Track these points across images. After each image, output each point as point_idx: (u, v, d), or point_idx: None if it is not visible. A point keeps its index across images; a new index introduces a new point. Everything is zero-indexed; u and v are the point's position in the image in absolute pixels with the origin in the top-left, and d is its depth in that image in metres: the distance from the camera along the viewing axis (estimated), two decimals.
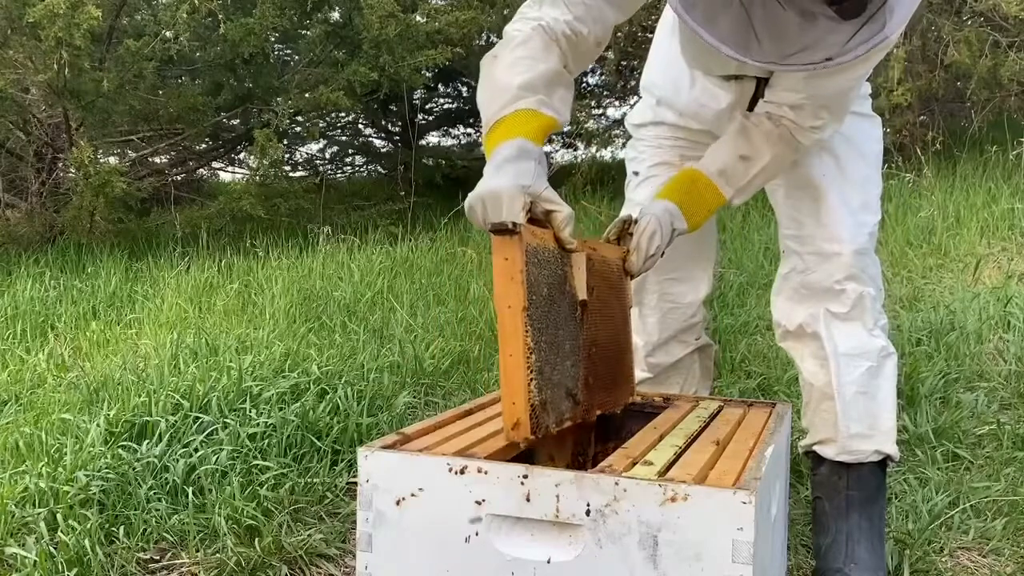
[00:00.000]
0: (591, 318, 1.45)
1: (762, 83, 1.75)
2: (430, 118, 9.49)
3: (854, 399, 1.79)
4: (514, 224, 1.24)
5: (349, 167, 9.76)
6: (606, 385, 1.52)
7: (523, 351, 1.23)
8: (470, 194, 1.34)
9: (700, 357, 2.18)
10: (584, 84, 7.81)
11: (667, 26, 1.99)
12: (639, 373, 2.03)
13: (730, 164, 1.70)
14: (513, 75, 1.46)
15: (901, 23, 1.32)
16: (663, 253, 1.64)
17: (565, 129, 7.72)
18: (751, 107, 1.78)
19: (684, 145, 1.99)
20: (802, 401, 1.91)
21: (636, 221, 1.62)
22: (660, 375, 2.11)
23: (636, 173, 2.04)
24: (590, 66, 1.60)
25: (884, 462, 1.84)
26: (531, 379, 1.24)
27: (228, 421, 2.23)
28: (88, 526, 1.80)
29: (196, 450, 2.11)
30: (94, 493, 1.92)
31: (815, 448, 1.86)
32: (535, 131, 1.41)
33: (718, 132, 1.88)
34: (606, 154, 7.49)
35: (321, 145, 8.97)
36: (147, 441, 2.14)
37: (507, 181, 1.33)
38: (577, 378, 1.39)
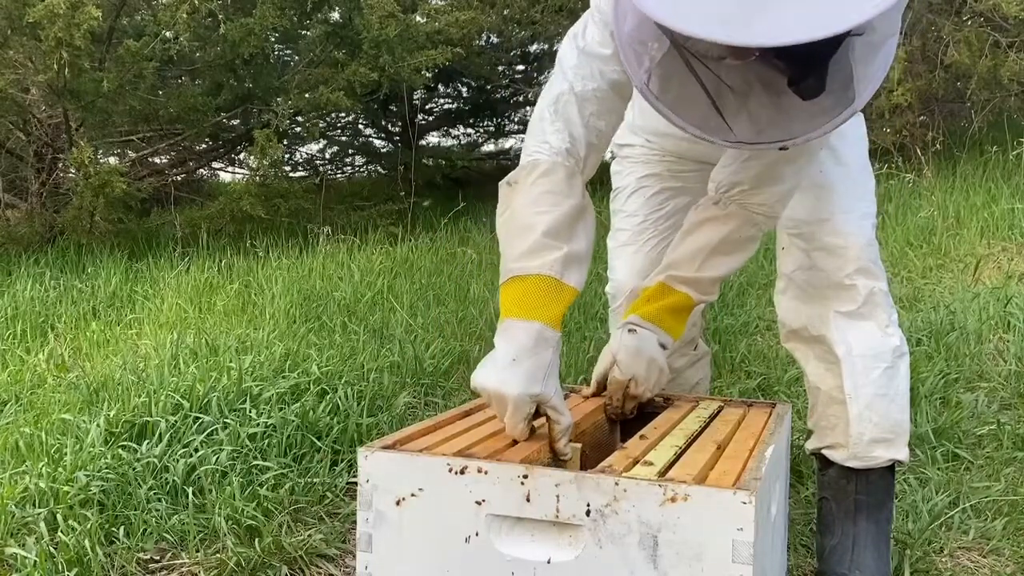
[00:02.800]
0: None
1: None
2: (430, 118, 9.49)
3: (871, 404, 1.73)
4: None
5: (349, 167, 9.77)
6: None
7: None
8: (481, 374, 1.32)
9: (699, 366, 2.17)
10: None
11: None
12: None
13: (679, 260, 1.66)
14: (536, 214, 1.40)
15: (869, 96, 1.30)
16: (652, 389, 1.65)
17: None
18: None
19: (670, 160, 1.98)
20: (808, 402, 1.88)
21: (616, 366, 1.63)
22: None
23: (624, 187, 2.04)
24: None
25: (893, 465, 1.81)
26: None
27: (228, 421, 2.23)
28: (88, 526, 1.80)
29: (196, 450, 2.11)
30: (94, 493, 1.92)
31: (824, 452, 1.81)
32: (555, 315, 1.36)
33: (702, 157, 1.89)
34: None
35: (321, 145, 8.97)
36: (147, 441, 2.14)
37: (516, 388, 1.29)
38: None
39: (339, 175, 9.63)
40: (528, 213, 1.41)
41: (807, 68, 1.25)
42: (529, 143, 1.49)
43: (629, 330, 1.64)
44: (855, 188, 1.78)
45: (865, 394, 1.73)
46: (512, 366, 1.30)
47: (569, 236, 1.40)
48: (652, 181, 1.98)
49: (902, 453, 1.77)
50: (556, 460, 1.37)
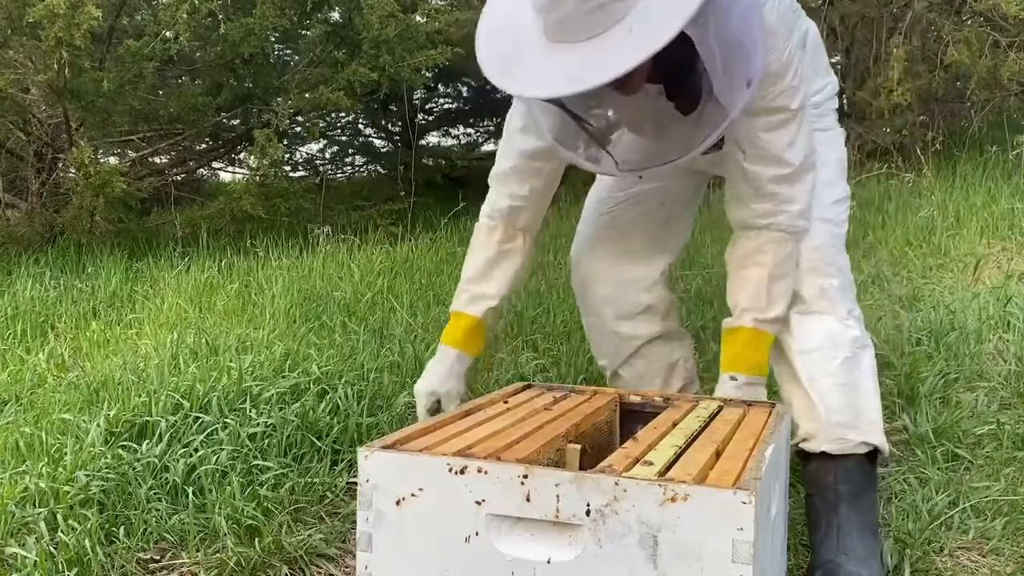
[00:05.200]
0: None
1: None
2: (430, 118, 9.48)
3: (830, 391, 1.79)
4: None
5: (349, 167, 9.76)
6: None
7: None
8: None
9: (673, 346, 2.23)
10: None
11: None
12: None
13: (748, 299, 1.80)
14: (466, 268, 2.01)
15: (737, 100, 1.52)
16: None
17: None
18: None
19: None
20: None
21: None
22: (623, 364, 2.21)
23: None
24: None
25: (874, 456, 1.83)
26: None
27: (228, 421, 2.23)
28: (88, 526, 1.80)
29: (196, 450, 2.11)
30: (94, 493, 1.92)
31: (801, 445, 1.86)
32: (461, 338, 1.97)
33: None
34: None
35: (321, 145, 8.96)
36: (147, 441, 2.14)
37: (424, 386, 1.94)
38: None
39: (339, 175, 9.62)
40: (465, 266, 2.02)
41: (675, 87, 1.57)
42: (486, 201, 2.05)
43: (748, 384, 1.80)
44: (816, 196, 1.85)
45: (823, 384, 1.79)
46: (426, 375, 1.97)
47: (482, 283, 1.98)
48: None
49: (874, 438, 1.80)
50: None
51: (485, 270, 1.98)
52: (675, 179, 2.14)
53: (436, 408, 1.92)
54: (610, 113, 1.73)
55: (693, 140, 1.56)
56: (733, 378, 1.79)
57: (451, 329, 1.99)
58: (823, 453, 1.81)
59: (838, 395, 1.79)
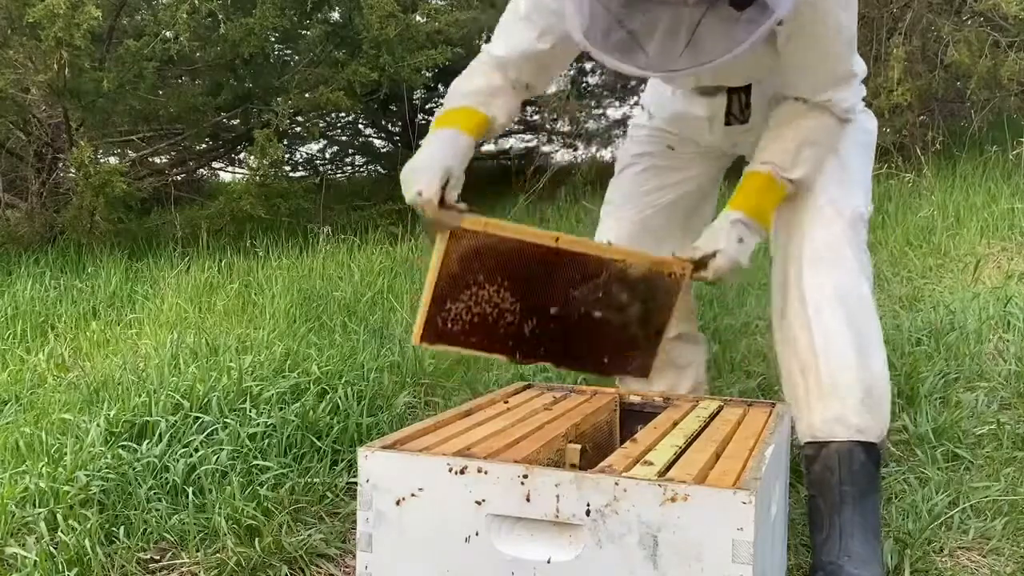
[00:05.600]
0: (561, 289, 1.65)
1: (734, 96, 1.93)
2: (430, 118, 9.47)
3: (841, 353, 1.79)
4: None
5: (349, 167, 9.76)
6: (569, 351, 1.71)
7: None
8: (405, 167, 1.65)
9: (690, 350, 2.21)
10: (584, 84, 7.81)
11: None
12: None
13: (775, 152, 1.79)
14: (460, 86, 1.82)
15: (791, 2, 1.41)
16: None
17: (564, 129, 7.77)
18: (728, 120, 1.96)
19: (670, 141, 2.16)
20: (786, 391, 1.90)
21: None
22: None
23: (620, 159, 2.25)
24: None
25: (878, 456, 1.82)
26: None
27: (228, 421, 2.23)
28: (88, 526, 1.80)
29: (196, 450, 2.11)
30: (94, 493, 1.92)
31: (816, 435, 1.83)
32: (471, 126, 1.73)
33: (700, 140, 2.09)
34: (606, 154, 7.50)
35: (321, 145, 8.96)
36: (147, 441, 2.14)
37: (429, 158, 1.65)
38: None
39: (339, 175, 9.62)
40: (454, 88, 1.83)
41: None
42: (487, 45, 1.85)
43: (734, 222, 1.76)
44: (844, 177, 1.87)
45: (835, 347, 1.79)
46: (427, 148, 1.69)
47: (489, 98, 1.78)
48: (643, 160, 2.18)
49: (880, 420, 1.81)
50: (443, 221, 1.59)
51: (493, 91, 1.80)
52: (699, 165, 2.16)
53: (442, 189, 1.60)
54: (645, 14, 1.52)
55: (736, 38, 1.44)
56: (734, 216, 1.77)
57: (457, 118, 1.76)
58: (826, 451, 1.80)
59: (851, 374, 1.78)
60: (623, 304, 1.70)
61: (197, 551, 1.83)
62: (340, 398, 2.44)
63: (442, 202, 1.58)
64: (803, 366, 1.82)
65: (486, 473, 1.18)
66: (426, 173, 1.60)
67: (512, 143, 9.53)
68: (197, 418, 2.24)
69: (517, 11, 1.80)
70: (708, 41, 1.42)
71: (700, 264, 1.73)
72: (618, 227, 2.16)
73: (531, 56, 1.79)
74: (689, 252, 1.75)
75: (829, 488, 1.79)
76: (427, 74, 7.08)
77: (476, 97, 1.78)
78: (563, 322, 1.67)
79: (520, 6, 1.79)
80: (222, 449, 2.11)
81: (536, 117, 9.26)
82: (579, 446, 1.47)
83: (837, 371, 1.78)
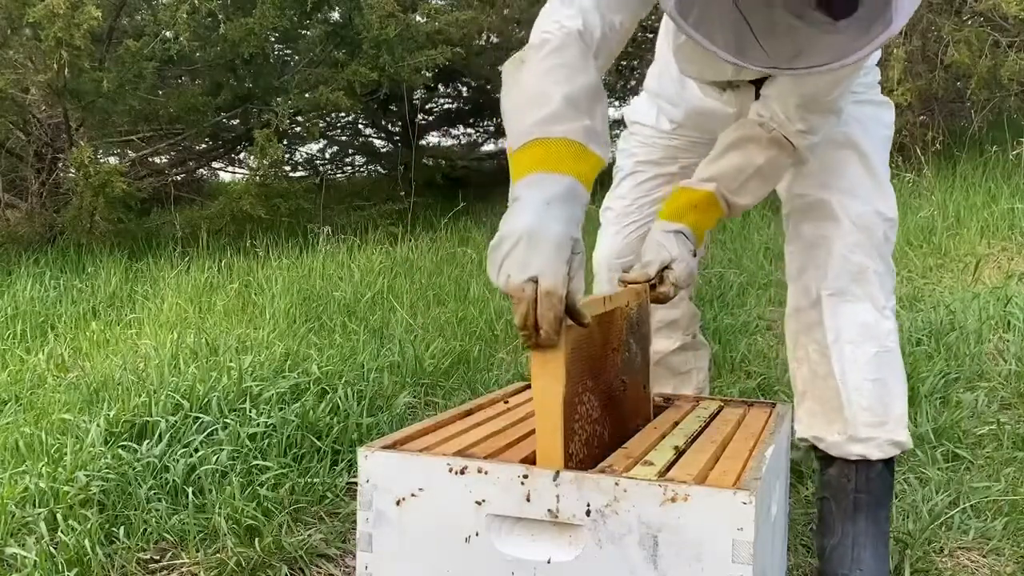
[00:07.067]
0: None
1: (757, 88, 1.75)
2: (430, 118, 9.49)
3: (861, 387, 1.73)
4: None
5: (349, 167, 9.77)
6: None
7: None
8: (507, 223, 1.16)
9: (692, 356, 2.18)
10: None
11: (665, 30, 1.99)
12: None
13: (723, 174, 1.68)
14: (551, 83, 1.29)
15: (907, 17, 1.20)
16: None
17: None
18: None
19: (679, 145, 2.01)
20: (798, 389, 1.86)
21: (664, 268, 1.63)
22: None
23: (622, 167, 2.09)
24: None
25: (892, 463, 1.80)
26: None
27: (228, 421, 2.23)
28: (88, 526, 1.80)
29: (196, 450, 2.11)
30: (94, 493, 1.92)
31: (823, 448, 1.79)
32: (587, 173, 1.24)
33: (713, 139, 1.89)
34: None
35: (321, 145, 8.97)
36: (147, 441, 2.14)
37: (558, 226, 1.14)
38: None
39: (339, 175, 9.63)
40: (543, 83, 1.29)
41: None
42: (539, 25, 1.39)
43: (677, 232, 1.65)
44: (870, 178, 1.79)
45: (854, 380, 1.73)
46: (548, 208, 1.15)
47: (589, 110, 1.28)
48: (647, 168, 2.03)
49: (900, 435, 1.75)
50: (577, 321, 1.17)
51: (592, 95, 1.31)
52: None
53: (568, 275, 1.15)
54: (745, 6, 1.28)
55: (845, 48, 1.23)
56: (674, 227, 1.64)
57: (569, 157, 1.23)
58: (845, 458, 1.76)
59: (868, 393, 1.72)
60: (635, 356, 1.52)
61: (197, 551, 1.82)
62: (340, 398, 2.44)
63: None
64: (816, 375, 1.79)
65: (486, 473, 1.18)
66: (545, 248, 1.12)
67: None
68: (197, 418, 2.24)
69: None
70: (810, 44, 1.22)
71: (658, 279, 1.61)
72: (613, 243, 2.05)
73: (613, 25, 1.41)
74: (640, 271, 1.61)
75: (844, 494, 1.76)
76: (427, 74, 7.08)
77: (576, 115, 1.26)
78: (612, 410, 1.38)
79: None
80: (222, 449, 2.11)
81: None
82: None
83: (854, 392, 1.73)
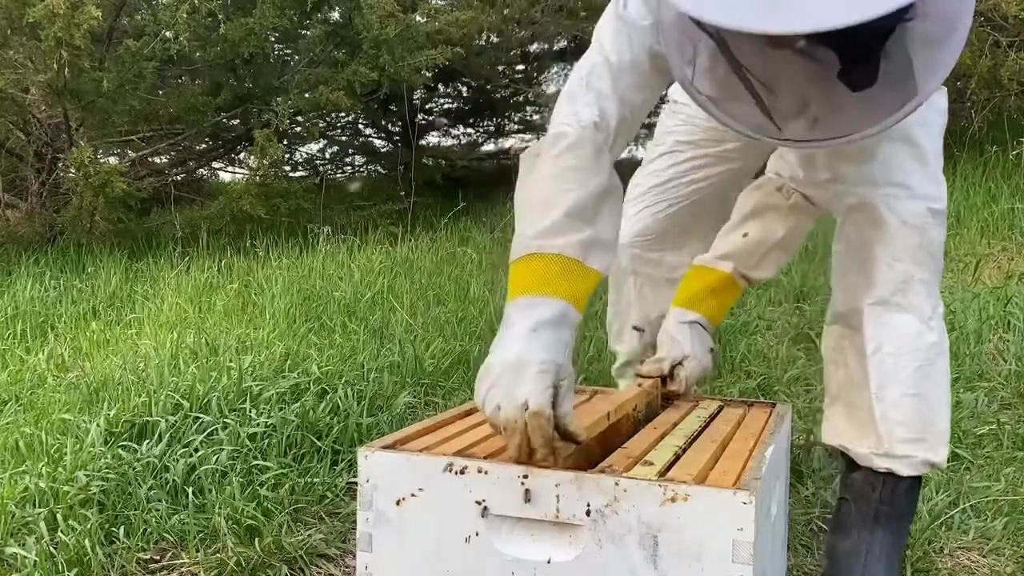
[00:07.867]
0: None
1: None
2: (430, 118, 9.50)
3: (898, 403, 1.62)
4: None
5: (349, 167, 9.78)
6: None
7: None
8: (496, 353, 1.20)
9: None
10: None
11: None
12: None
13: (742, 251, 1.65)
14: (559, 191, 1.31)
15: (938, 81, 1.20)
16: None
17: None
18: None
19: (721, 128, 1.96)
20: (828, 391, 1.77)
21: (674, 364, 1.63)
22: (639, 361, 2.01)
23: (661, 143, 2.00)
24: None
25: (920, 479, 1.71)
26: None
27: (228, 421, 2.23)
28: (88, 526, 1.80)
29: (196, 450, 2.11)
30: (94, 493, 1.92)
31: (853, 456, 1.69)
32: (581, 292, 1.27)
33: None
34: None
35: (321, 145, 8.98)
36: (147, 441, 2.14)
37: (544, 353, 1.18)
38: None
39: (339, 175, 9.63)
40: (551, 189, 1.32)
41: (855, 57, 1.16)
42: (557, 115, 1.40)
43: (693, 324, 1.64)
44: (925, 169, 1.71)
45: (892, 394, 1.62)
46: (534, 336, 1.20)
47: (593, 217, 1.30)
48: (686, 148, 1.95)
49: (938, 455, 1.65)
50: (569, 440, 1.20)
51: (600, 198, 1.32)
52: (745, 158, 1.92)
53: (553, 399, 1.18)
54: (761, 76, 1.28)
55: (870, 118, 1.22)
56: (691, 317, 1.63)
57: (563, 277, 1.27)
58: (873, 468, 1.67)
59: (906, 408, 1.61)
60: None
61: (197, 551, 1.82)
62: (340, 398, 2.44)
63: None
64: (852, 382, 1.69)
65: (486, 473, 1.18)
66: (529, 375, 1.16)
67: (512, 143, 9.54)
68: (197, 418, 2.24)
69: (629, 21, 1.40)
70: (843, 113, 1.21)
71: (669, 375, 1.59)
72: (637, 220, 1.97)
73: (642, 60, 1.39)
74: (654, 366, 1.59)
75: (866, 501, 1.67)
76: (427, 74, 7.08)
77: (577, 227, 1.28)
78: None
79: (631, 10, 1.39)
80: (222, 449, 2.11)
81: (536, 117, 9.28)
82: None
83: (892, 408, 1.62)
